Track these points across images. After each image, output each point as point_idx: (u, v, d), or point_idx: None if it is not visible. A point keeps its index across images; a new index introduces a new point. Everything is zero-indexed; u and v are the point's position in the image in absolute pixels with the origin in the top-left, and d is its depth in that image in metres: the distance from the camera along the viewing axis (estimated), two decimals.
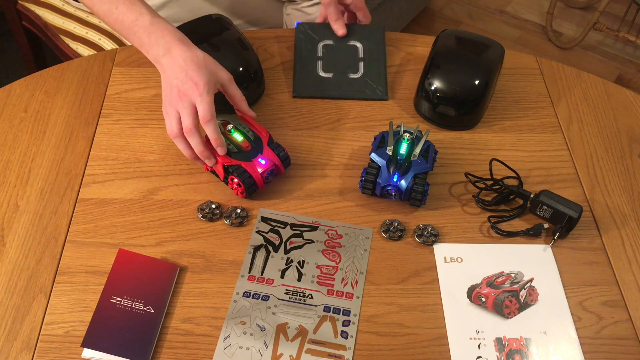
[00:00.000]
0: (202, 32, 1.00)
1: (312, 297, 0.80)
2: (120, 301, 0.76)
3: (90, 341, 0.72)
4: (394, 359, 0.75)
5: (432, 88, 0.98)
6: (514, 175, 0.93)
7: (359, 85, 1.04)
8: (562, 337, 0.78)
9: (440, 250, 0.85)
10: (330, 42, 1.09)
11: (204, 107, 0.84)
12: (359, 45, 1.09)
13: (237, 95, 0.91)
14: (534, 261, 0.85)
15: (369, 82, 1.05)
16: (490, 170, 0.92)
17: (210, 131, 0.85)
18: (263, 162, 0.87)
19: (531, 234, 0.87)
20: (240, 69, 0.96)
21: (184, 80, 0.85)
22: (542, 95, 1.07)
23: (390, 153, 0.87)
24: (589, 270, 0.84)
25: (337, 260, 0.83)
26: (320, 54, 1.07)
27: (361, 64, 1.07)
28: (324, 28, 1.10)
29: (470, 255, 0.85)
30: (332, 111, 1.02)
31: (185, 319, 0.77)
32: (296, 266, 0.82)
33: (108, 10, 0.89)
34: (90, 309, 0.76)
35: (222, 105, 0.99)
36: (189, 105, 0.85)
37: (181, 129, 0.86)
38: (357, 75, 1.05)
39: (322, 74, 1.05)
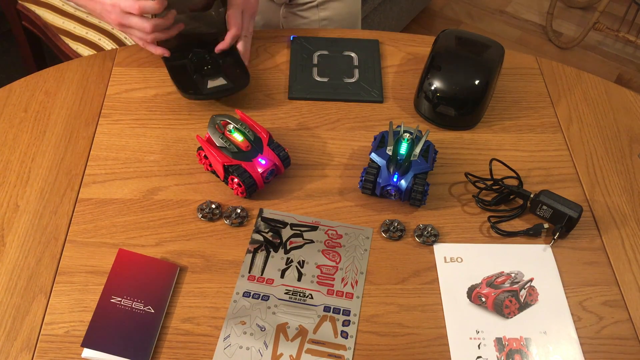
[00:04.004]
0: None
1: (312, 297, 0.80)
2: (120, 301, 0.76)
3: (90, 341, 0.72)
4: (394, 359, 0.75)
5: (432, 88, 0.98)
6: (514, 175, 0.93)
7: (354, 89, 1.05)
8: (562, 337, 0.78)
9: (440, 250, 0.85)
10: (325, 52, 1.10)
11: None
12: (353, 55, 1.10)
13: None
14: (534, 261, 0.85)
15: (364, 85, 1.05)
16: (490, 170, 0.92)
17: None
18: (263, 162, 0.87)
19: (531, 234, 0.87)
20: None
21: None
22: (542, 95, 1.07)
23: (390, 153, 0.87)
24: (589, 270, 0.84)
25: (337, 260, 0.83)
26: (315, 61, 1.08)
27: (356, 71, 1.07)
28: (319, 40, 1.12)
29: (470, 255, 0.85)
30: (331, 111, 1.02)
31: (185, 319, 0.77)
32: (296, 266, 0.82)
33: None
34: (90, 309, 0.76)
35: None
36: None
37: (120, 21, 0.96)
38: (353, 80, 1.06)
39: (317, 78, 1.06)
